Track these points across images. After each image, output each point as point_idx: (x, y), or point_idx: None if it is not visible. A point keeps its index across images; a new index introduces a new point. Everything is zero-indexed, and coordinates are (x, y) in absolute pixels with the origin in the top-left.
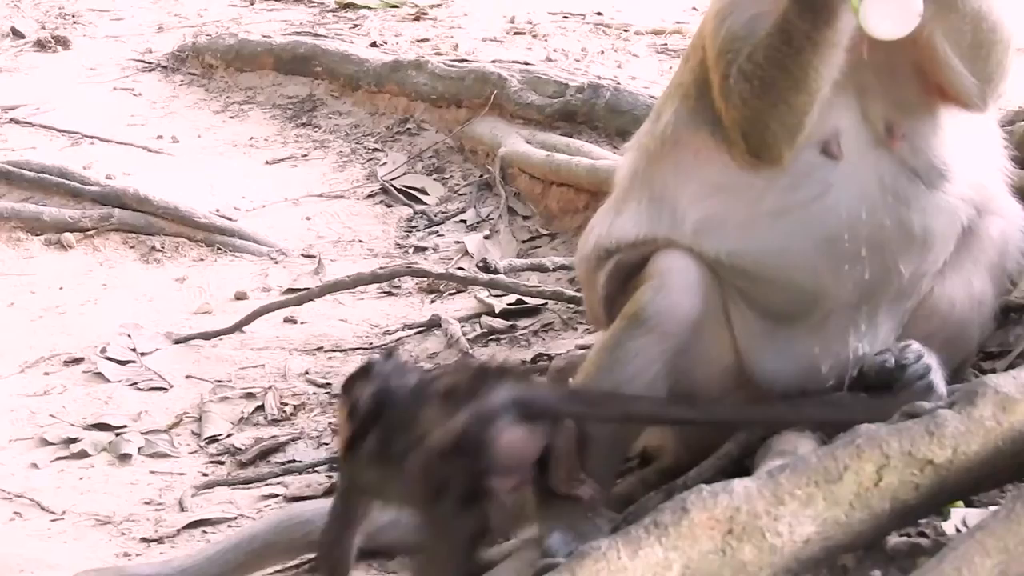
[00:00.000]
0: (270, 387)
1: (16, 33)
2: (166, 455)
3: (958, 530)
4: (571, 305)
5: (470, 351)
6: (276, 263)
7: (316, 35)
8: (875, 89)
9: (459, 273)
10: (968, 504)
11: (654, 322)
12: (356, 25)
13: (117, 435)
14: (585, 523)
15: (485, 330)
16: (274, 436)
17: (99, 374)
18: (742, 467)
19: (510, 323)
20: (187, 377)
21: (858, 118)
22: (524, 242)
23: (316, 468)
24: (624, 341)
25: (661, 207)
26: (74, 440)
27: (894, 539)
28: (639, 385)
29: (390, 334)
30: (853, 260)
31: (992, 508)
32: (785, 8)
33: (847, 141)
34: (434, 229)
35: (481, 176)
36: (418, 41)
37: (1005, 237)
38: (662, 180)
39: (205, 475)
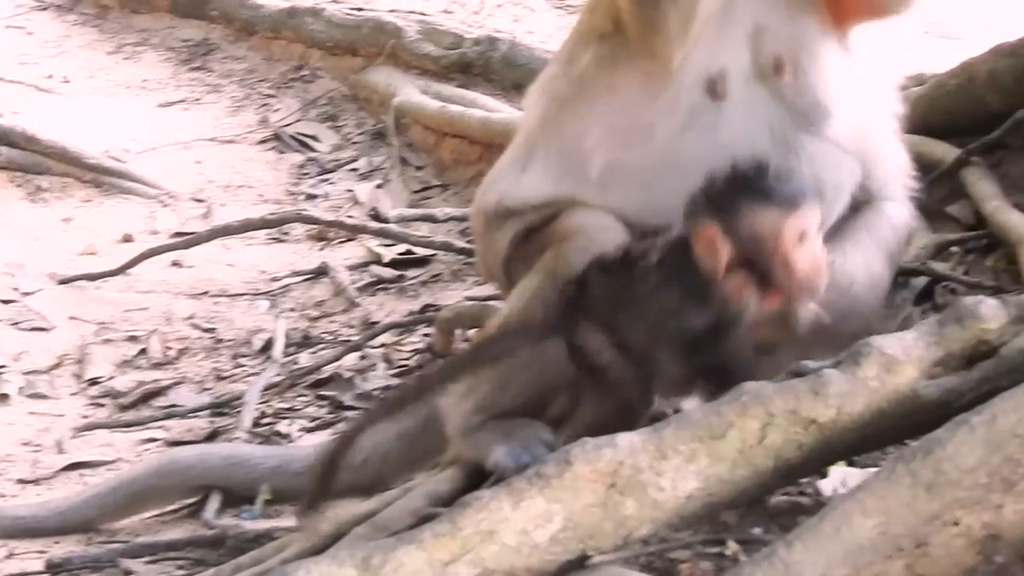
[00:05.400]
0: (154, 330)
1: None
2: (46, 396)
3: (837, 491)
4: (460, 256)
5: (357, 300)
6: (165, 206)
7: None
8: (769, 21)
9: (349, 221)
10: (850, 465)
11: None
12: None
13: None
14: (529, 436)
15: (373, 279)
16: (156, 380)
17: None
18: None
19: (399, 273)
20: (70, 318)
21: (747, 55)
22: (415, 192)
23: (198, 413)
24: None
25: (570, 159)
26: None
27: (776, 497)
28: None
29: (277, 280)
30: None
31: (874, 469)
32: None
33: (734, 80)
34: (325, 177)
35: (375, 125)
36: None
37: (902, 224)
38: (574, 126)
39: (85, 417)
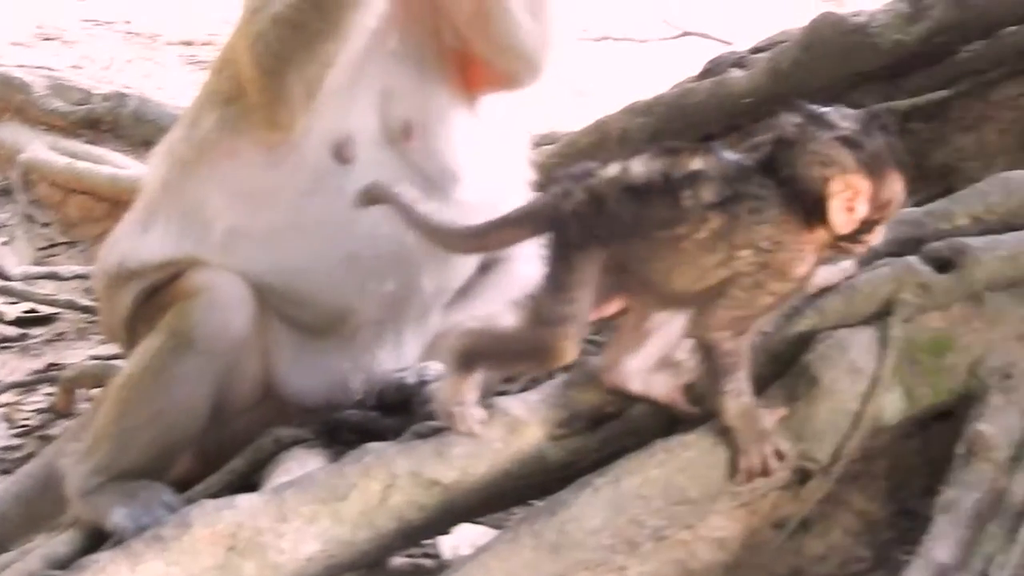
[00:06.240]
0: None
1: None
2: None
3: (459, 552)
4: (85, 315)
5: None
6: None
7: None
8: (398, 85)
9: None
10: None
11: (205, 344)
12: None
13: None
14: (150, 497)
15: None
16: None
17: None
18: (251, 483)
19: (22, 331)
20: None
21: (375, 119)
22: (41, 249)
23: None
24: (171, 364)
25: (192, 221)
26: None
27: (398, 559)
28: (186, 407)
29: None
30: (376, 275)
31: (498, 530)
32: None
33: (362, 144)
34: None
35: (0, 182)
36: None
37: (531, 282)
38: (195, 190)
39: None
